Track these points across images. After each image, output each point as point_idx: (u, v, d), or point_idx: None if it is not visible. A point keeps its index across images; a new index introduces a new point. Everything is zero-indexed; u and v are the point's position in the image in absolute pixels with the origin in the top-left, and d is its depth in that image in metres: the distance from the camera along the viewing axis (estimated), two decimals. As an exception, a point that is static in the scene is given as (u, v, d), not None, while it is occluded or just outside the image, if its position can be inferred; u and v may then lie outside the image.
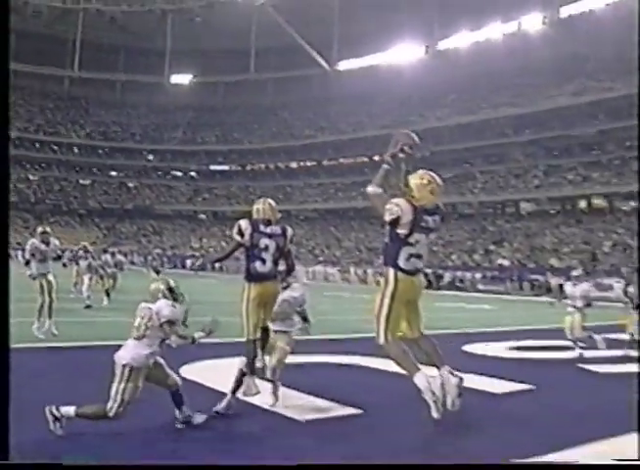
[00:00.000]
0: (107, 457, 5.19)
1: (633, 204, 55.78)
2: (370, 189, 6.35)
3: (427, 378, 5.89)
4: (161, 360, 6.37)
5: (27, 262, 11.95)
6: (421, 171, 6.49)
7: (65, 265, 13.49)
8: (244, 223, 6.64)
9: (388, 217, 6.07)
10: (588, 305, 13.51)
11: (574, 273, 14.45)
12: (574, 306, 13.42)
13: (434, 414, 6.00)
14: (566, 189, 59.19)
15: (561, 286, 44.08)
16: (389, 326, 6.10)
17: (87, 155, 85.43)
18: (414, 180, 6.33)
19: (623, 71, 57.90)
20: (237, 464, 2.71)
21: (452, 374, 6.20)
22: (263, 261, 6.54)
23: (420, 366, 6.10)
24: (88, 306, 19.55)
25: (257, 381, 6.95)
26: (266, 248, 6.56)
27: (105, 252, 22.94)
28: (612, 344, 13.79)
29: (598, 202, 59.07)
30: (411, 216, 6.03)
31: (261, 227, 6.65)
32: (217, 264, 62.35)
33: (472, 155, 68.26)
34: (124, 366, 6.04)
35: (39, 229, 12.51)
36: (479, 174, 67.06)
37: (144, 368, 6.04)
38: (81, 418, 5.95)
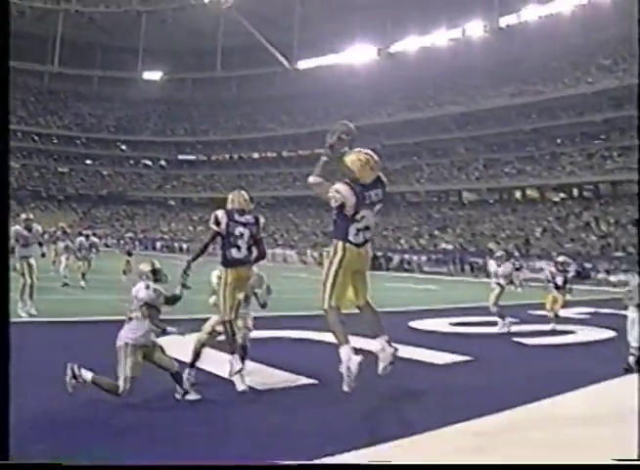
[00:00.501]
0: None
1: (562, 195, 56.58)
2: (311, 179, 6.07)
3: (349, 353, 5.67)
4: (160, 344, 6.38)
5: (12, 249, 11.42)
6: (356, 150, 6.14)
7: (43, 255, 13.08)
8: (220, 213, 6.62)
9: (333, 204, 5.83)
10: (511, 282, 13.81)
11: (497, 254, 14.61)
12: (498, 284, 13.64)
13: (345, 388, 5.99)
14: (503, 181, 59.80)
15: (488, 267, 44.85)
16: (334, 294, 5.82)
17: (65, 144, 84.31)
18: (353, 160, 6.02)
19: (553, 77, 58.84)
20: (237, 464, 2.69)
21: (389, 344, 6.04)
22: (239, 248, 6.52)
23: (348, 341, 5.84)
24: (65, 285, 19.41)
25: (223, 354, 6.97)
26: (241, 235, 6.55)
27: (80, 234, 22.61)
28: (539, 319, 14.05)
29: (531, 193, 59.75)
30: (354, 199, 5.75)
31: (236, 216, 6.64)
32: (185, 246, 62.43)
33: (419, 148, 68.54)
34: (119, 346, 6.07)
35: (22, 216, 12.20)
36: (425, 166, 67.40)
37: (139, 346, 6.04)
38: (95, 385, 5.98)
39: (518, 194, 60.90)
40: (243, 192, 7.05)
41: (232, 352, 6.46)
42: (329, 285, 5.84)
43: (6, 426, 2.13)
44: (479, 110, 62.26)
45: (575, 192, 56.47)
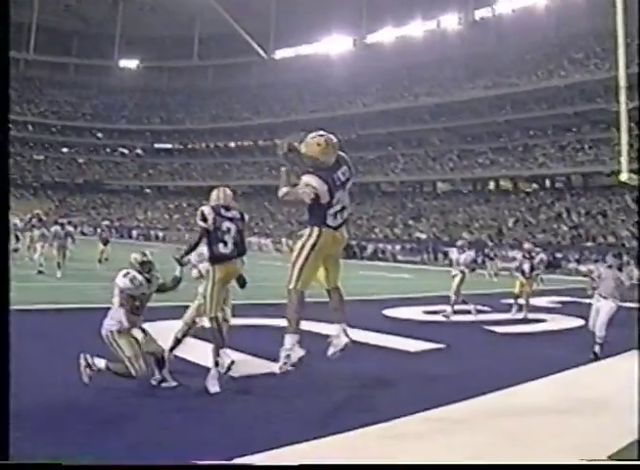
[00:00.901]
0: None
1: (535, 185, 56.99)
2: (280, 193, 5.79)
3: (294, 343, 5.57)
4: (147, 329, 6.43)
5: None
6: (310, 136, 5.82)
7: (16, 250, 12.75)
8: (206, 209, 6.51)
9: (308, 200, 5.55)
10: (473, 269, 13.89)
11: (459, 243, 14.64)
12: (460, 271, 13.70)
13: (277, 370, 5.96)
14: (477, 171, 60.04)
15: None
16: (302, 276, 5.65)
17: (41, 132, 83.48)
18: (311, 146, 5.72)
19: (526, 70, 59.16)
20: (237, 464, 2.70)
21: (345, 333, 5.90)
22: (225, 244, 6.45)
23: (298, 331, 5.72)
24: (40, 272, 19.26)
25: (199, 342, 6.99)
26: (228, 230, 6.48)
27: (55, 223, 22.42)
28: (511, 308, 14.17)
29: (504, 183, 60.07)
30: (325, 187, 5.54)
31: (223, 212, 6.58)
32: (161, 234, 62.26)
33: (394, 139, 68.62)
34: (105, 335, 6.12)
35: None
36: (399, 156, 67.48)
37: (124, 330, 6.07)
38: (109, 372, 6.04)
39: (491, 184, 61.21)
40: (227, 189, 6.95)
41: (221, 347, 6.35)
42: (297, 267, 5.68)
43: (6, 426, 2.13)
44: (453, 101, 62.38)
45: (548, 183, 56.88)
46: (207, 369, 6.52)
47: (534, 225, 49.91)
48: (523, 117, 58.30)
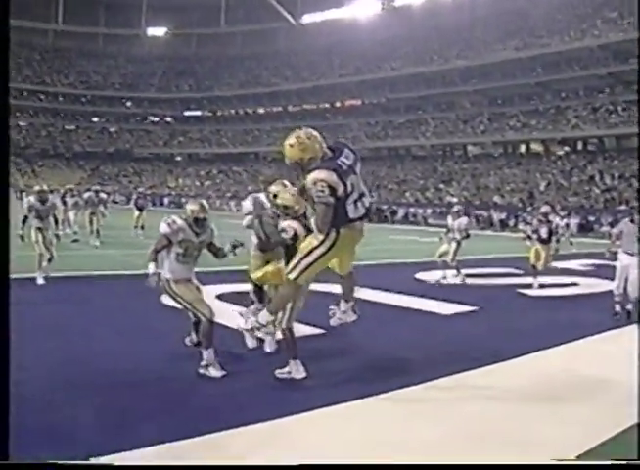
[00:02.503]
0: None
1: (566, 148, 56.32)
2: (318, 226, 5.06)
3: (268, 319, 5.19)
4: (201, 288, 6.30)
5: (24, 220, 11.18)
6: (286, 142, 5.21)
7: (57, 237, 12.76)
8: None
9: (329, 197, 4.85)
10: (467, 236, 13.47)
11: (454, 209, 14.13)
12: (453, 238, 13.42)
13: (249, 343, 6.14)
14: (508, 134, 59.44)
15: (502, 221, 44.84)
16: (306, 273, 5.14)
17: (71, 102, 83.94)
18: (288, 151, 5.13)
19: (558, 30, 58.06)
20: (237, 464, 2.80)
21: (354, 311, 5.73)
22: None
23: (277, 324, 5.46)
24: (75, 240, 19.47)
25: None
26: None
27: (88, 190, 22.63)
28: (544, 271, 14.10)
29: (536, 146, 59.45)
30: (334, 175, 4.84)
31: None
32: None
33: (424, 102, 68.01)
34: (161, 286, 6.05)
35: (36, 188, 11.74)
36: (430, 120, 66.95)
37: (177, 277, 6.00)
38: (203, 340, 5.91)
39: (522, 148, 60.59)
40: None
41: (294, 358, 5.78)
42: (304, 264, 5.12)
43: (6, 426, 2.19)
44: (484, 63, 61.57)
45: (580, 146, 56.17)
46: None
47: (566, 188, 49.42)
48: (554, 79, 57.39)
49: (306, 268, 5.11)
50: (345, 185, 4.92)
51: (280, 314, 5.57)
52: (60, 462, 2.35)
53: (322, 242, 5.08)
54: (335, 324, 5.79)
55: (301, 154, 5.02)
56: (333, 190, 4.83)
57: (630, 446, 3.60)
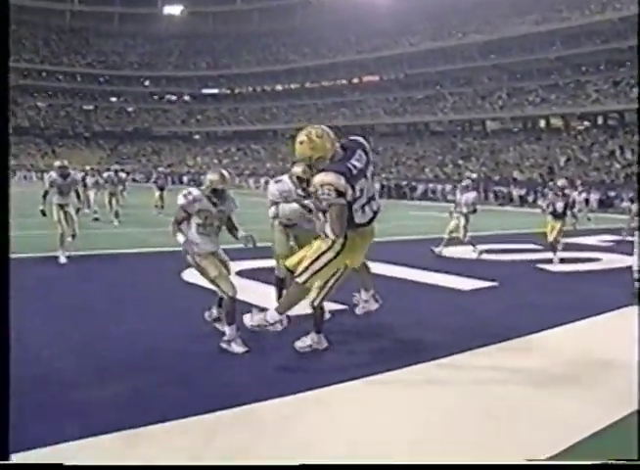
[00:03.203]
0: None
1: (587, 123, 55.83)
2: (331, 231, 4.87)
3: (275, 318, 5.06)
4: (229, 263, 6.27)
5: (45, 195, 11.06)
6: (297, 138, 4.98)
7: (78, 211, 12.80)
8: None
9: (339, 198, 4.69)
10: (474, 211, 13.46)
11: (463, 183, 14.13)
12: (460, 212, 13.45)
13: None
14: (527, 109, 58.98)
15: (521, 197, 44.57)
16: (314, 278, 5.05)
17: (89, 82, 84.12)
18: (298, 148, 4.95)
19: (578, 3, 57.28)
20: (237, 464, 2.82)
21: (376, 299, 5.78)
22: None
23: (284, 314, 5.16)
24: (96, 219, 19.63)
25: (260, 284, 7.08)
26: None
27: (108, 170, 22.75)
28: (565, 247, 14.03)
29: (555, 121, 58.96)
30: (342, 178, 4.66)
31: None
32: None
33: (442, 77, 67.56)
34: (188, 261, 6.05)
35: (57, 163, 11.59)
36: (448, 95, 66.54)
37: (201, 250, 5.93)
38: (226, 317, 5.91)
39: (542, 123, 60.14)
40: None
41: (318, 332, 5.82)
42: (312, 270, 4.99)
43: (6, 426, 2.22)
44: (502, 38, 61.01)
45: (600, 120, 55.64)
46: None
47: (586, 164, 49.06)
48: (574, 53, 56.78)
49: (315, 273, 5.01)
50: (354, 189, 4.76)
51: (315, 292, 5.50)
52: (61, 463, 2.38)
53: (330, 247, 4.95)
54: (360, 313, 5.82)
55: (310, 152, 4.88)
56: (340, 193, 4.65)
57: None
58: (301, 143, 4.88)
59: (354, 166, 4.80)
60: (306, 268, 4.99)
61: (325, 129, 4.91)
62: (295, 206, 6.31)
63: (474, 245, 13.27)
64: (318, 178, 4.71)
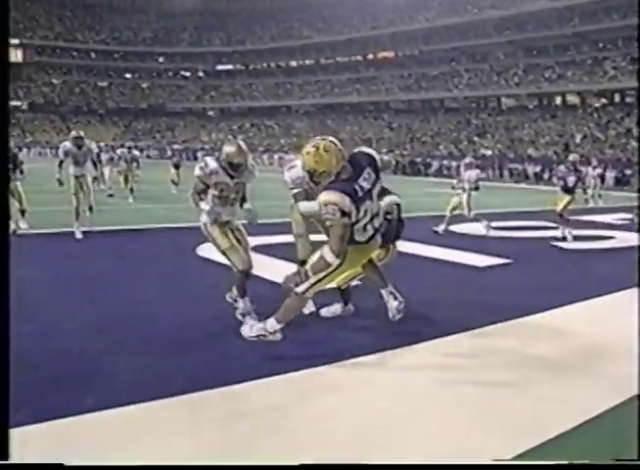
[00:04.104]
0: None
1: (603, 100, 55.33)
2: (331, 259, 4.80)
3: (275, 327, 4.87)
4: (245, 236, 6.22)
5: (60, 164, 11.12)
6: (304, 149, 4.85)
7: (95, 179, 12.81)
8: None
9: (342, 218, 4.57)
10: (476, 188, 13.46)
11: (466, 161, 14.17)
12: (463, 188, 13.48)
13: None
14: (543, 86, 58.52)
15: (536, 174, 44.32)
16: (314, 287, 4.89)
17: (103, 59, 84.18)
18: (305, 159, 4.79)
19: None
20: (237, 464, 2.87)
21: (394, 297, 5.41)
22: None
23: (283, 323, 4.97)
24: (110, 196, 19.72)
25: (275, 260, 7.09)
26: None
27: (121, 146, 22.83)
28: (580, 225, 14.00)
29: (571, 98, 58.50)
30: (347, 199, 4.52)
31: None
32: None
33: (457, 54, 67.08)
34: (203, 230, 6.02)
35: (72, 133, 11.50)
36: (463, 72, 66.09)
37: (215, 220, 5.89)
38: (237, 290, 5.96)
39: (558, 100, 59.69)
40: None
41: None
42: (313, 280, 4.86)
43: (6, 426, 2.24)
44: (518, 13, 60.35)
45: (617, 98, 55.14)
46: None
47: (603, 141, 48.72)
48: (592, 29, 56.14)
49: (315, 284, 4.87)
50: (358, 211, 4.65)
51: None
52: (61, 463, 2.42)
53: (327, 264, 4.79)
54: (393, 318, 5.54)
55: (314, 165, 4.71)
56: (344, 213, 4.51)
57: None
58: (308, 154, 4.74)
59: (361, 188, 4.69)
60: (305, 279, 4.88)
61: (334, 144, 4.76)
62: (312, 204, 6.26)
63: (479, 220, 13.33)
64: (323, 197, 4.56)
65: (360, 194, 4.66)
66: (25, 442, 3.26)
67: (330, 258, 4.63)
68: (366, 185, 4.74)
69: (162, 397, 3.98)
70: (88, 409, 3.74)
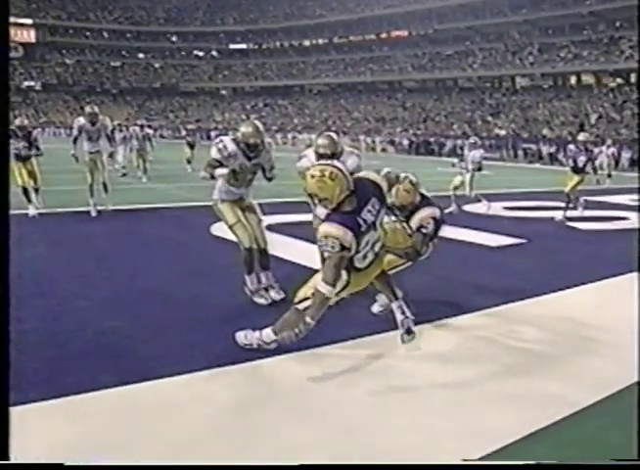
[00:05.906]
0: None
1: (619, 80, 54.81)
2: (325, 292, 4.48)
3: (272, 337, 4.62)
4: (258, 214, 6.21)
5: (75, 140, 11.15)
6: (310, 169, 4.59)
7: (111, 155, 12.85)
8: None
9: (341, 253, 4.33)
10: (479, 169, 13.47)
11: (471, 141, 14.14)
12: (466, 168, 13.50)
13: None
14: (558, 66, 57.96)
15: (551, 154, 44.10)
16: (318, 315, 4.47)
17: (116, 39, 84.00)
18: (309, 181, 4.46)
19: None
20: (237, 464, 2.88)
21: (402, 311, 5.00)
22: None
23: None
24: (124, 175, 19.80)
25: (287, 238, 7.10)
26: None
27: (135, 125, 22.88)
28: (595, 205, 13.95)
29: (587, 78, 57.93)
30: (350, 234, 4.29)
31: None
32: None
33: (471, 33, 66.47)
34: (213, 207, 6.05)
35: (87, 109, 11.41)
36: (478, 51, 65.53)
37: (226, 198, 5.93)
38: (244, 266, 5.93)
39: (573, 79, 59.09)
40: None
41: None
42: (315, 311, 4.50)
43: (6, 426, 2.27)
44: (534, -9, 59.85)
45: (633, 78, 54.53)
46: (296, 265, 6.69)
47: (618, 122, 48.29)
48: (608, 8, 55.31)
49: (317, 313, 4.50)
50: (359, 244, 4.41)
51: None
52: (61, 463, 2.45)
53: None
54: (403, 339, 5.24)
55: (317, 191, 4.38)
56: (344, 247, 4.27)
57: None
58: (312, 177, 4.40)
59: (365, 221, 4.42)
60: (308, 298, 4.66)
61: (341, 173, 4.40)
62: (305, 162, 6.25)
63: (480, 200, 13.45)
64: (324, 228, 4.31)
65: (363, 228, 4.41)
66: (40, 416, 3.31)
67: (324, 289, 4.35)
68: (370, 218, 4.47)
69: (180, 373, 4.03)
70: (105, 385, 3.79)
